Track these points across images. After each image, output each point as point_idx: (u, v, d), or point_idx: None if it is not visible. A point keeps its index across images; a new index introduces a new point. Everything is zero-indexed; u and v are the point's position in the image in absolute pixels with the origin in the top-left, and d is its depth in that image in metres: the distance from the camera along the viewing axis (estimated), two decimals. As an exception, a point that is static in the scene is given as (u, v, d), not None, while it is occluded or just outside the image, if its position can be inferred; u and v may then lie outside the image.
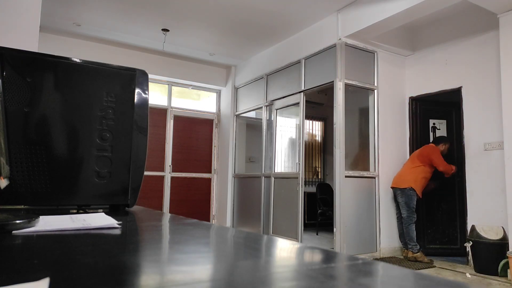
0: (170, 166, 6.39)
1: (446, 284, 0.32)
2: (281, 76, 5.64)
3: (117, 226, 0.67)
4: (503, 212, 3.89)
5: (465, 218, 4.40)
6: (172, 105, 6.61)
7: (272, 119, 5.75)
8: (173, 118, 6.54)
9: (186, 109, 6.77)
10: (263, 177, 5.72)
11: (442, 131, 4.97)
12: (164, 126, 6.46)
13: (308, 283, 0.34)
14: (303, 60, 5.18)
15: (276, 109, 5.66)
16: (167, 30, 5.36)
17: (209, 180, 6.83)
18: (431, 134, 4.97)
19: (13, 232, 0.58)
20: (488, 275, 3.79)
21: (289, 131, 6.00)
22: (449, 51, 4.68)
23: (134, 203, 1.00)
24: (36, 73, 0.90)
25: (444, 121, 4.97)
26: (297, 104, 5.23)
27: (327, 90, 5.12)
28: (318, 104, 7.04)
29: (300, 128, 5.18)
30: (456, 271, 4.03)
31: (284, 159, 5.88)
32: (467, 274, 3.85)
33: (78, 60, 0.97)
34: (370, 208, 4.64)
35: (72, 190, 0.93)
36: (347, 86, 4.59)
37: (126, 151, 0.99)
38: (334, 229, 4.47)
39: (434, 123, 4.98)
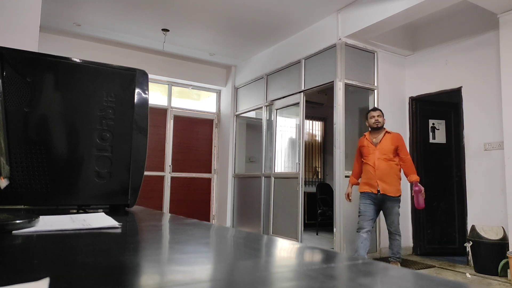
0: (170, 166, 6.39)
1: (446, 284, 0.32)
2: (281, 76, 5.64)
3: (117, 226, 0.67)
4: (503, 212, 3.89)
5: (465, 218, 4.40)
6: (172, 105, 6.61)
7: (272, 119, 5.75)
8: (173, 118, 6.54)
9: (186, 109, 6.77)
10: (263, 177, 5.72)
11: (441, 131, 4.98)
12: (164, 126, 6.46)
13: (308, 283, 0.34)
14: (303, 60, 5.19)
15: (276, 109, 5.66)
16: (167, 30, 5.36)
17: (209, 180, 6.83)
18: (430, 134, 4.98)
19: (13, 232, 0.58)
20: (488, 275, 3.79)
21: (289, 131, 6.00)
22: (449, 51, 4.68)
23: (134, 203, 1.00)
24: (36, 73, 0.90)
25: (443, 121, 4.98)
26: (297, 104, 5.23)
27: (327, 90, 5.12)
28: (318, 104, 7.05)
29: (300, 128, 5.18)
30: (456, 271, 4.03)
31: (284, 159, 5.88)
32: (467, 274, 3.85)
33: (78, 60, 0.97)
34: (370, 208, 4.63)
35: (72, 190, 0.93)
36: (347, 86, 4.59)
37: (126, 151, 0.99)
38: (334, 229, 4.47)
39: (433, 123, 4.99)
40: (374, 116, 3.75)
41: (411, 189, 3.88)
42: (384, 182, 3.58)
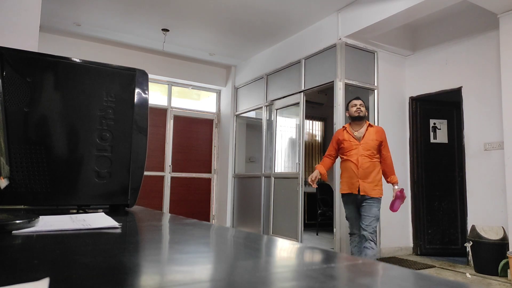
0: (170, 166, 6.39)
1: (446, 284, 0.32)
2: (281, 76, 5.64)
3: (117, 226, 0.67)
4: (503, 212, 3.89)
5: (465, 218, 4.40)
6: (172, 105, 6.61)
7: (272, 119, 5.74)
8: (173, 118, 6.54)
9: (186, 109, 6.77)
10: (263, 177, 5.72)
11: (443, 131, 4.96)
12: (164, 126, 6.46)
13: (308, 283, 0.34)
14: (303, 60, 5.19)
15: (276, 109, 5.66)
16: (167, 30, 5.36)
17: (209, 180, 6.83)
18: (431, 134, 4.97)
19: (13, 232, 0.58)
20: (488, 275, 3.79)
21: (289, 131, 6.00)
22: (449, 51, 4.68)
23: (134, 203, 1.00)
24: (36, 73, 0.90)
25: (445, 121, 4.95)
26: (297, 104, 5.23)
27: (327, 90, 5.12)
28: (318, 104, 7.04)
29: (300, 128, 5.18)
30: (456, 271, 4.03)
31: (284, 159, 5.88)
32: (467, 274, 3.85)
33: (78, 60, 0.97)
34: (370, 208, 4.63)
35: (72, 190, 0.93)
36: (347, 86, 4.59)
37: (126, 151, 0.99)
38: (334, 230, 4.47)
39: (434, 123, 4.97)
40: (356, 105, 3.31)
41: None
42: (366, 182, 3.18)
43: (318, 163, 3.71)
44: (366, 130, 3.30)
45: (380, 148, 3.29)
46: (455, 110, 4.83)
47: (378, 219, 3.21)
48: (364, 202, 3.20)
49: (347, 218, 3.46)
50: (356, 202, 3.27)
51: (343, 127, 3.43)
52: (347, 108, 3.43)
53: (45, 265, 0.40)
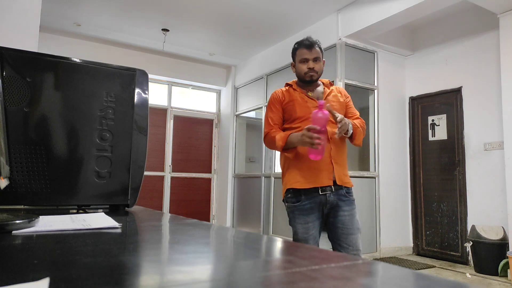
0: (170, 166, 6.39)
1: (446, 284, 0.32)
2: (281, 76, 5.64)
3: (117, 226, 0.67)
4: (503, 212, 3.89)
5: (466, 218, 4.39)
6: (172, 105, 6.61)
7: (272, 119, 5.73)
8: (173, 118, 6.54)
9: (186, 109, 6.77)
10: (263, 177, 5.72)
11: (441, 127, 4.80)
12: (164, 126, 6.46)
13: (308, 283, 0.34)
14: (303, 60, 5.17)
15: (276, 109, 5.65)
16: (167, 30, 5.36)
17: (209, 180, 6.83)
18: (430, 131, 4.89)
19: (13, 232, 0.58)
20: (488, 275, 3.79)
21: (289, 131, 5.99)
22: (449, 51, 4.68)
23: (134, 203, 1.00)
24: (36, 73, 0.90)
25: (444, 115, 4.69)
26: (297, 104, 5.21)
27: (327, 90, 5.11)
28: (318, 104, 7.03)
29: (300, 128, 5.16)
30: (456, 271, 4.03)
31: (284, 159, 5.88)
32: (467, 274, 3.85)
33: (78, 60, 0.97)
34: (370, 208, 4.64)
35: (72, 190, 0.93)
36: (347, 86, 4.59)
37: (126, 151, 0.99)
38: (334, 229, 4.46)
39: (433, 120, 4.87)
40: (307, 60, 2.00)
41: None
42: (340, 166, 1.95)
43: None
44: (325, 89, 2.06)
45: (346, 109, 2.08)
46: (453, 110, 4.73)
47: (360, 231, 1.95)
48: (341, 206, 1.91)
49: (298, 241, 1.90)
50: (324, 206, 1.91)
51: (286, 84, 2.12)
52: (293, 58, 2.10)
53: (45, 265, 0.40)
